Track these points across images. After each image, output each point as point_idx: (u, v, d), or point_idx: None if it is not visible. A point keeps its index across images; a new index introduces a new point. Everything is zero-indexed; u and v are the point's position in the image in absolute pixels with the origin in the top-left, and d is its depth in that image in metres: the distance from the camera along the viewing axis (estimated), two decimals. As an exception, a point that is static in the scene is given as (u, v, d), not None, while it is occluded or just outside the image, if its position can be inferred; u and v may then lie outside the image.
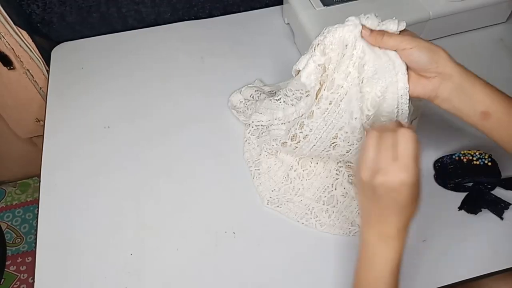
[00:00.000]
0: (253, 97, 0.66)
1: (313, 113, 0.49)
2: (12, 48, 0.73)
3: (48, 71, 0.77)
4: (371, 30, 0.44)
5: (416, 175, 0.38)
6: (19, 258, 1.10)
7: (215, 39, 0.77)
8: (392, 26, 0.44)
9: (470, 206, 0.57)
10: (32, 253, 1.10)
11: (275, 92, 0.67)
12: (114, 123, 0.67)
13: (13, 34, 0.70)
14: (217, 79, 0.72)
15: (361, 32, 0.44)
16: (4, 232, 1.12)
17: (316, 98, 0.50)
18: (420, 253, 0.54)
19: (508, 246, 0.54)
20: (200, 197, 0.59)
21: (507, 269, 0.53)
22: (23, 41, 0.72)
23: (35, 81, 0.80)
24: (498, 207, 0.56)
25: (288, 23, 0.78)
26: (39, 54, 0.76)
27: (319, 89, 0.49)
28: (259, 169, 0.60)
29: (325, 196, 0.57)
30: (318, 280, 0.53)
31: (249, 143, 0.63)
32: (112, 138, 0.65)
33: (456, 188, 0.58)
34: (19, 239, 1.12)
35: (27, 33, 0.72)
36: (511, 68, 0.72)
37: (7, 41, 0.71)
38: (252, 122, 0.61)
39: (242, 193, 0.59)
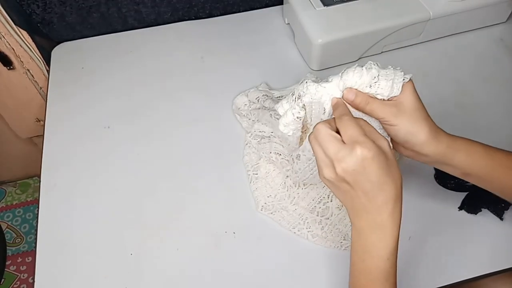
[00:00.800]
0: (258, 100, 0.65)
1: (299, 157, 0.49)
2: (12, 48, 0.73)
3: (48, 71, 0.77)
4: (356, 94, 0.42)
5: (373, 146, 0.36)
6: (19, 258, 1.10)
7: (215, 39, 0.77)
8: (385, 91, 0.42)
9: (470, 206, 0.57)
10: (32, 253, 1.10)
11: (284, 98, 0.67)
12: (114, 123, 0.67)
13: (13, 34, 0.70)
14: (217, 79, 0.72)
15: (346, 93, 0.42)
16: (4, 232, 1.12)
17: (299, 143, 0.49)
18: (419, 253, 0.54)
19: (508, 246, 0.54)
20: (200, 197, 0.59)
21: (507, 269, 0.53)
22: (23, 41, 0.72)
23: (35, 81, 0.80)
24: (498, 207, 0.56)
25: (288, 23, 0.78)
26: (39, 54, 0.76)
27: (302, 135, 0.48)
28: (257, 174, 0.60)
29: (319, 207, 0.56)
30: (318, 280, 0.53)
31: (249, 147, 0.62)
32: (112, 138, 0.65)
33: (456, 188, 0.58)
34: (19, 239, 1.12)
35: (27, 33, 0.72)
36: (511, 68, 0.72)
37: (7, 41, 0.71)
38: (254, 131, 0.61)
39: (243, 193, 0.59)
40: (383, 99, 0.43)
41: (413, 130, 0.41)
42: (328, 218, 0.56)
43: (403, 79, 0.42)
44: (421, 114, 0.42)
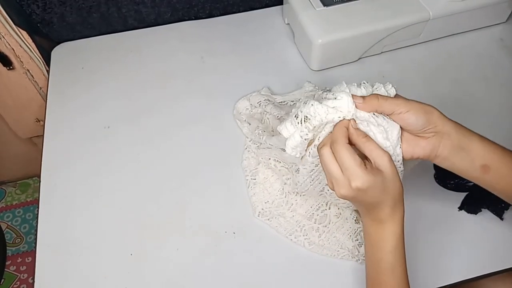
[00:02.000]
0: (260, 104, 0.65)
1: (299, 170, 0.49)
2: (12, 48, 0.73)
3: (48, 71, 0.77)
4: (363, 97, 0.43)
5: (367, 177, 0.39)
6: (19, 258, 1.10)
7: (215, 39, 0.77)
8: (383, 93, 0.43)
9: (470, 206, 0.57)
10: (32, 253, 1.10)
11: (286, 103, 0.67)
12: (114, 123, 0.67)
13: (13, 34, 0.70)
14: (218, 79, 0.72)
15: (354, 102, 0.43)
16: (4, 232, 1.12)
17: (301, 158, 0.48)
18: (419, 253, 0.54)
19: (508, 246, 0.54)
20: (200, 198, 0.59)
21: (507, 269, 0.53)
22: (23, 41, 0.72)
23: (35, 81, 0.80)
24: (498, 207, 0.56)
25: (288, 23, 0.78)
26: (39, 54, 0.76)
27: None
28: (255, 179, 0.59)
29: (317, 215, 0.56)
30: (318, 279, 0.53)
31: (248, 151, 0.62)
32: (112, 138, 0.65)
33: (456, 188, 0.58)
34: (19, 239, 1.13)
35: (27, 33, 0.72)
36: (511, 68, 0.72)
37: (7, 41, 0.71)
38: (255, 138, 0.61)
39: (243, 194, 0.59)
40: None
41: (426, 108, 0.42)
42: (326, 226, 0.56)
43: (392, 86, 0.44)
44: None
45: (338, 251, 0.54)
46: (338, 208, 0.56)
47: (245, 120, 0.64)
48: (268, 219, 0.57)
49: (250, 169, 0.60)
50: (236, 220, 0.57)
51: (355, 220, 0.56)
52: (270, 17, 0.81)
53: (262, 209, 0.57)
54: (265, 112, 0.63)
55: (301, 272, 0.53)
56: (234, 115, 0.67)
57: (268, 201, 0.58)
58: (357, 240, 0.54)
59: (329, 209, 0.56)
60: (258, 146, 0.61)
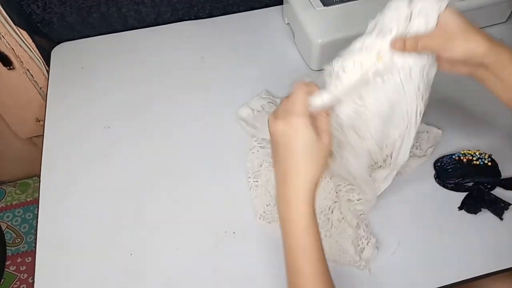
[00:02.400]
0: (264, 108, 0.65)
1: None
2: (12, 48, 0.73)
3: (48, 71, 0.77)
4: (404, 40, 0.44)
5: (306, 119, 0.41)
6: (19, 258, 1.10)
7: (215, 39, 0.77)
8: (420, 29, 0.44)
9: (470, 206, 0.57)
10: (32, 253, 1.10)
11: None
12: (114, 123, 0.67)
13: (13, 34, 0.70)
14: (218, 79, 0.72)
15: (394, 45, 0.44)
16: (4, 232, 1.12)
17: None
18: (419, 253, 0.54)
19: (507, 246, 0.54)
20: (200, 197, 0.59)
21: (507, 269, 0.53)
22: (23, 41, 0.72)
23: (35, 81, 0.80)
24: (498, 207, 0.56)
25: (288, 23, 0.78)
26: (39, 54, 0.76)
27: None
28: (257, 181, 0.59)
29: (320, 219, 0.56)
30: (318, 280, 0.53)
31: (253, 153, 0.62)
32: (112, 138, 0.65)
33: (456, 188, 0.58)
34: (19, 239, 1.12)
35: (27, 33, 0.72)
36: (511, 68, 0.72)
37: (7, 41, 0.71)
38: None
39: (243, 194, 0.59)
40: None
41: (471, 47, 0.42)
42: (328, 231, 0.55)
43: (439, 8, 0.43)
44: (470, 29, 0.43)
45: (340, 255, 0.54)
46: (341, 213, 0.56)
47: (249, 123, 0.64)
48: (269, 222, 0.56)
49: (253, 171, 0.60)
50: (236, 220, 0.57)
51: (356, 225, 0.55)
52: (270, 17, 0.81)
53: (264, 212, 0.57)
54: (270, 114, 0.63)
55: (301, 272, 0.53)
56: (238, 121, 0.66)
57: (269, 204, 0.57)
58: (359, 245, 0.54)
59: (332, 213, 0.56)
60: (263, 146, 0.61)
